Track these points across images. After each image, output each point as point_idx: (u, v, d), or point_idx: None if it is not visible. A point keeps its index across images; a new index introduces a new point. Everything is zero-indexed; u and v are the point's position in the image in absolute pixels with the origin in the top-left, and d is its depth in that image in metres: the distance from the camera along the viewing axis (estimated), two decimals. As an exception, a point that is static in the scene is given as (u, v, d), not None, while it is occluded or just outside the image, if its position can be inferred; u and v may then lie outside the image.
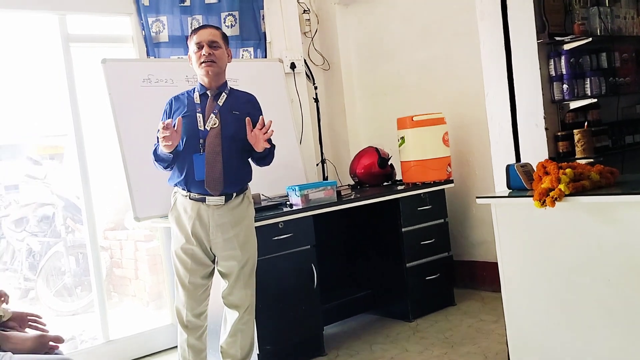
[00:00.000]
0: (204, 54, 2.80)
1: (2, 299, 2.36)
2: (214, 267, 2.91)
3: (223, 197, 2.80)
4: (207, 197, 2.78)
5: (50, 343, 2.30)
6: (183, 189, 2.83)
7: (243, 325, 2.90)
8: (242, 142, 2.86)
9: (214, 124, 2.80)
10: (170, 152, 2.73)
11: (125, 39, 4.00)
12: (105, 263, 5.26)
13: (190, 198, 2.81)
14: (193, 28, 2.85)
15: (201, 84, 2.89)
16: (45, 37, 4.05)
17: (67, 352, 2.49)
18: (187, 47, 4.00)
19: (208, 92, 2.87)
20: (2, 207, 5.52)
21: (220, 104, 2.85)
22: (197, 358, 2.93)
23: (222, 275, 2.89)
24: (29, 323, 2.37)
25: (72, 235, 5.35)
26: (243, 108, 2.90)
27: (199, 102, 2.85)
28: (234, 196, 2.85)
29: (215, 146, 2.78)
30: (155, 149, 2.81)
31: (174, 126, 2.67)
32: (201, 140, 2.78)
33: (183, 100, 2.88)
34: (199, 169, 2.76)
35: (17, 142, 5.68)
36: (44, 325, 2.40)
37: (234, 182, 2.84)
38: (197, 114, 2.81)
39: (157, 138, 2.74)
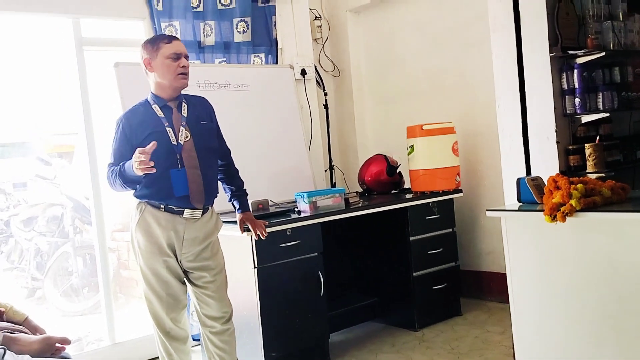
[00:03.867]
0: (184, 66, 2.70)
1: None
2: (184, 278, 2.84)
3: (201, 211, 2.75)
4: (186, 210, 2.70)
5: (57, 345, 2.31)
6: (157, 202, 2.70)
7: (228, 337, 2.85)
8: (215, 151, 2.86)
9: (186, 137, 2.71)
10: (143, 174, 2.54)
11: (138, 43, 3.95)
12: (113, 264, 5.28)
13: (165, 210, 2.69)
14: (158, 36, 2.81)
15: (157, 96, 2.73)
16: (59, 40, 4.09)
17: (74, 354, 2.49)
18: (197, 52, 4.09)
19: (169, 104, 2.74)
20: (11, 206, 5.56)
21: (186, 115, 2.76)
22: None
23: (196, 287, 2.81)
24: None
25: (80, 236, 5.38)
26: (205, 116, 2.86)
27: (162, 115, 2.71)
28: (208, 209, 2.82)
29: (192, 160, 2.71)
30: (121, 171, 2.62)
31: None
32: (177, 155, 2.68)
33: (142, 116, 2.71)
34: (178, 185, 2.67)
35: (27, 141, 5.72)
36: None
37: (211, 195, 2.82)
38: (167, 129, 2.69)
39: (114, 158, 2.67)
